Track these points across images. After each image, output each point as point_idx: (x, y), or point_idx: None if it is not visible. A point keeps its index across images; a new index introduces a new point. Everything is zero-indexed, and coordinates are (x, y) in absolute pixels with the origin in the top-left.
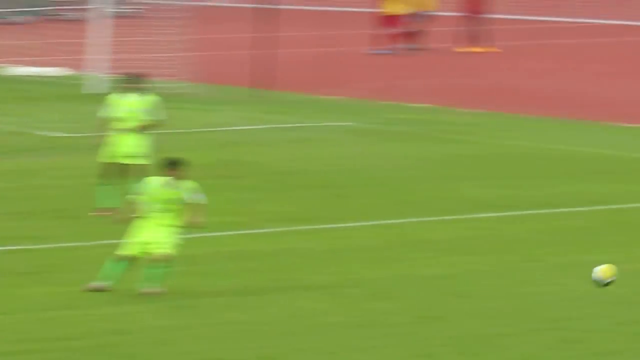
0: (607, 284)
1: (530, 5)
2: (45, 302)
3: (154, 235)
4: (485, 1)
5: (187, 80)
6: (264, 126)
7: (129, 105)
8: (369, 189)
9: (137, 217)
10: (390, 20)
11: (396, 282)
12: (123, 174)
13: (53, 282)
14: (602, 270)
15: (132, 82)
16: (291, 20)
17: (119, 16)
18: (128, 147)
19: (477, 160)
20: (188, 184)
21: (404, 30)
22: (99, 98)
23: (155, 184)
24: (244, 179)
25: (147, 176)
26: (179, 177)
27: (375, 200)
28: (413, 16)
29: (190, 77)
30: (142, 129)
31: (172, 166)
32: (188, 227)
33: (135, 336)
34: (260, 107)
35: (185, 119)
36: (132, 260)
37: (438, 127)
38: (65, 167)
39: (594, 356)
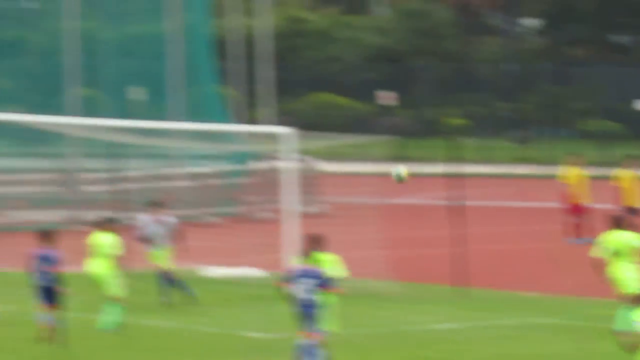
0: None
1: None
2: None
3: None
4: None
5: (385, 279)
6: (464, 324)
7: None
8: None
9: None
10: (582, 209)
11: None
12: None
13: None
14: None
15: None
16: (480, 216)
17: (306, 215)
18: None
19: None
20: None
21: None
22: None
23: None
24: None
25: None
26: None
27: None
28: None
29: (387, 276)
30: None
31: None
32: None
33: None
34: (458, 304)
35: (385, 318)
36: None
37: None
38: None
39: None
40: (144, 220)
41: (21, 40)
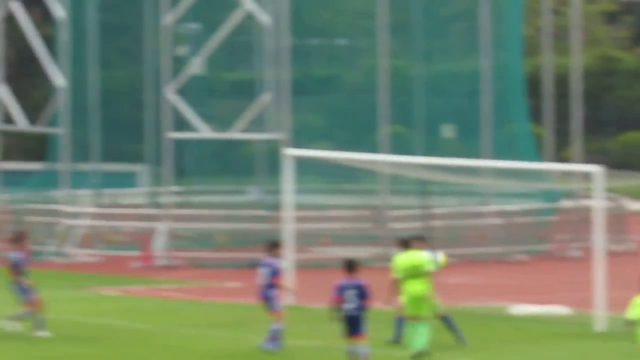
0: None
1: None
2: None
3: None
4: None
5: None
6: None
7: None
8: None
9: None
10: None
11: None
12: None
13: None
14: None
15: None
16: None
17: (613, 253)
18: None
19: None
20: None
21: None
22: (607, 336)
23: None
24: None
25: None
26: None
27: None
28: None
29: None
30: None
31: None
32: None
33: None
34: None
35: None
36: None
37: None
38: None
39: None
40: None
41: (333, 78)
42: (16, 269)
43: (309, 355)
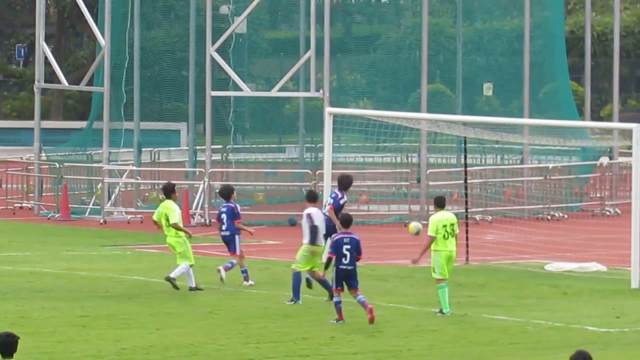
0: None
1: None
2: None
3: None
4: None
5: None
6: None
7: None
8: None
9: None
10: None
11: None
12: None
13: None
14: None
15: None
16: None
17: None
18: None
19: None
20: None
21: None
22: None
23: None
24: None
25: None
26: None
27: None
28: None
29: None
30: None
31: None
32: None
33: None
34: None
35: None
36: None
37: None
38: None
39: None
40: None
41: (375, 36)
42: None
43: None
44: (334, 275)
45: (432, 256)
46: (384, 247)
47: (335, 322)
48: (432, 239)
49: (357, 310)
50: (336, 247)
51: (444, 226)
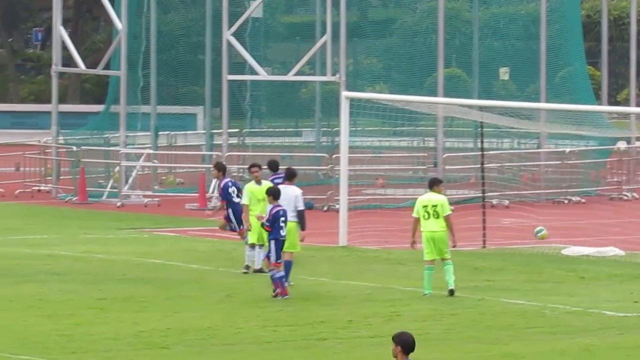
0: None
1: None
2: None
3: None
4: None
5: None
6: None
7: None
8: None
9: None
10: None
11: None
12: None
13: None
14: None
15: None
16: None
17: None
18: None
19: None
20: None
21: None
22: None
23: None
24: None
25: None
26: None
27: None
28: None
29: None
30: None
31: None
32: None
33: None
34: None
35: None
36: None
37: None
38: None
39: None
40: None
41: (391, 20)
42: None
43: (359, 295)
44: (272, 248)
45: None
46: (400, 232)
47: (281, 297)
48: (414, 219)
49: (375, 294)
50: (273, 221)
51: (424, 207)
